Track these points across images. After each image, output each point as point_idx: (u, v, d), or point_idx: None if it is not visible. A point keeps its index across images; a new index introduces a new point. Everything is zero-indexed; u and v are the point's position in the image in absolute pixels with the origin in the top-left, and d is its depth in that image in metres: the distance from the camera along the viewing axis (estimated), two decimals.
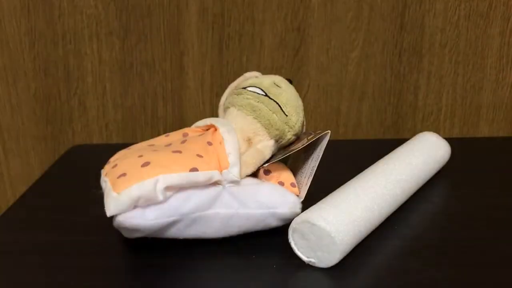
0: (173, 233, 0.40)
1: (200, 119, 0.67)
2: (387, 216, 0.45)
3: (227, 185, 0.41)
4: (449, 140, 0.60)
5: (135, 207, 0.38)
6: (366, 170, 0.48)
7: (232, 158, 0.41)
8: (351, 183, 0.45)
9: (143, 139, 0.75)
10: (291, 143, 0.47)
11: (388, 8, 0.68)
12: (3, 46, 0.70)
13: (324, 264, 0.39)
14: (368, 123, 0.74)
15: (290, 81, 0.49)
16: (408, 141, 0.55)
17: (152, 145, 0.45)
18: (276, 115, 0.44)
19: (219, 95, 0.73)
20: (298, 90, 0.72)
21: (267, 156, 0.44)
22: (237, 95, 0.46)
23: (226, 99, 0.48)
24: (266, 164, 0.44)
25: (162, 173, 0.38)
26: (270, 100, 0.45)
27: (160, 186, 0.38)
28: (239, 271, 0.39)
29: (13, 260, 0.42)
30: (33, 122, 0.74)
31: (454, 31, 0.69)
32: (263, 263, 0.40)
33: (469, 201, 0.50)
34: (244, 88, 0.46)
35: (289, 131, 0.45)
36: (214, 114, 0.74)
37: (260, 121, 0.44)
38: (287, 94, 0.46)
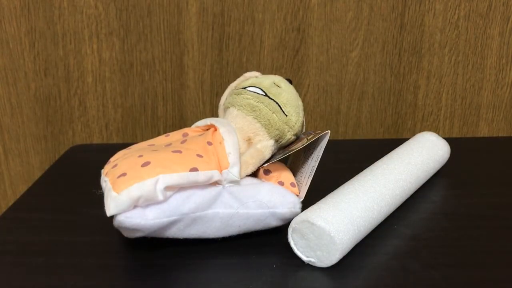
0: (173, 233, 0.40)
1: (200, 119, 0.68)
2: (386, 216, 0.45)
3: (227, 185, 0.41)
4: (449, 140, 0.60)
5: (135, 207, 0.38)
6: (365, 170, 0.48)
7: (232, 158, 0.41)
8: (350, 183, 0.45)
9: (143, 139, 0.75)
10: (291, 143, 0.47)
11: (388, 8, 0.68)
12: (3, 46, 0.70)
13: (323, 263, 0.39)
14: (368, 123, 0.74)
15: (290, 81, 0.49)
16: (408, 141, 0.55)
17: (152, 145, 0.46)
18: (276, 115, 0.44)
19: (219, 95, 0.73)
20: (298, 90, 0.72)
21: (267, 156, 0.44)
22: (237, 95, 0.46)
23: (226, 99, 0.48)
24: (266, 164, 0.44)
25: (162, 173, 0.38)
26: (270, 100, 0.45)
27: (160, 186, 0.38)
28: (239, 271, 0.39)
29: (13, 260, 0.42)
30: (33, 122, 0.74)
31: (453, 31, 0.69)
32: (263, 262, 0.40)
33: (469, 201, 0.50)
34: (244, 88, 0.46)
35: (289, 131, 0.46)
36: (214, 114, 0.74)
37: (260, 121, 0.44)
38: (287, 94, 0.46)
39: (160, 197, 0.38)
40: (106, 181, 0.40)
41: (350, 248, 0.40)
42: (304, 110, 0.68)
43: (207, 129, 0.46)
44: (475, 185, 0.54)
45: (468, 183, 0.54)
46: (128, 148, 0.46)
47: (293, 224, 0.40)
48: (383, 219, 0.44)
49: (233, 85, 0.50)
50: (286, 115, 0.45)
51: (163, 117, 0.74)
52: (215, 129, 0.44)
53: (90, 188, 0.50)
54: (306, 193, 0.44)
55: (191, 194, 0.40)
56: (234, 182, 0.42)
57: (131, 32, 0.70)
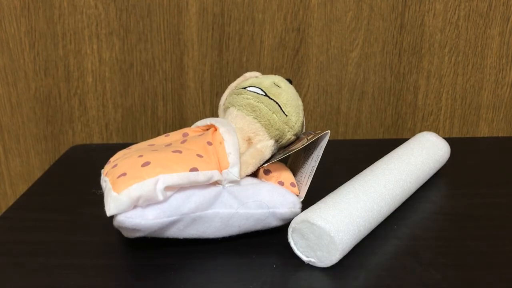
0: (173, 232, 0.40)
1: (200, 119, 0.68)
2: (386, 216, 0.45)
3: (227, 185, 0.41)
4: (449, 140, 0.60)
5: (135, 206, 0.38)
6: (365, 170, 0.48)
7: (232, 158, 0.41)
8: (350, 183, 0.45)
9: (143, 139, 0.75)
10: (291, 143, 0.47)
11: (388, 8, 0.68)
12: (3, 46, 0.70)
13: (323, 263, 0.39)
14: (368, 123, 0.74)
15: (290, 81, 0.49)
16: (408, 141, 0.55)
17: (152, 145, 0.46)
18: (276, 115, 0.44)
19: (219, 95, 0.73)
20: (298, 90, 0.72)
21: (267, 156, 0.44)
22: (237, 95, 0.46)
23: (226, 99, 0.48)
24: (266, 164, 0.44)
25: (162, 173, 0.38)
26: (270, 100, 0.45)
27: (160, 186, 0.38)
28: (239, 271, 0.39)
29: (13, 260, 0.42)
30: (33, 122, 0.74)
31: (453, 31, 0.69)
32: (263, 263, 0.40)
33: (469, 201, 0.50)
34: (244, 88, 0.46)
35: (289, 131, 0.46)
36: (214, 114, 0.74)
37: (260, 121, 0.44)
38: (287, 94, 0.46)
39: (160, 197, 0.38)
40: (106, 181, 0.40)
41: (350, 248, 0.40)
42: (304, 110, 0.68)
43: (207, 129, 0.46)
44: (475, 185, 0.54)
45: (468, 183, 0.54)
46: (128, 148, 0.46)
47: (293, 224, 0.40)
48: (383, 219, 0.44)
49: (233, 85, 0.50)
50: (286, 115, 0.45)
51: (163, 117, 0.74)
52: (215, 129, 0.44)
53: (90, 188, 0.50)
54: (306, 193, 0.44)
55: (191, 194, 0.40)
56: (234, 182, 0.42)
57: (131, 32, 0.70)
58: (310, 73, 0.72)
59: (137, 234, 0.39)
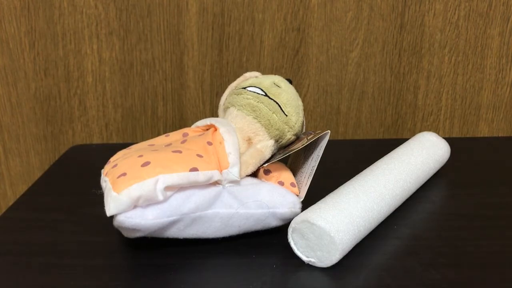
0: (173, 232, 0.40)
1: (200, 119, 0.68)
2: (386, 216, 0.45)
3: (227, 185, 0.41)
4: (449, 140, 0.60)
5: (135, 206, 0.38)
6: (365, 170, 0.48)
7: (232, 158, 0.41)
8: (350, 183, 0.45)
9: (143, 139, 0.75)
10: (291, 143, 0.47)
11: (388, 8, 0.68)
12: (3, 46, 0.70)
13: (323, 263, 0.39)
14: (368, 123, 0.74)
15: (290, 81, 0.49)
16: (408, 141, 0.55)
17: (152, 145, 0.46)
18: (276, 115, 0.44)
19: (219, 95, 0.73)
20: (298, 90, 0.72)
21: (267, 156, 0.44)
22: (237, 95, 0.46)
23: (226, 99, 0.48)
24: (266, 164, 0.44)
25: (162, 173, 0.38)
26: (270, 100, 0.45)
27: (160, 185, 0.38)
28: (239, 271, 0.39)
29: (13, 260, 0.42)
30: (33, 122, 0.74)
31: (453, 31, 0.69)
32: (263, 262, 0.40)
33: (469, 201, 0.50)
34: (244, 88, 0.46)
35: (289, 131, 0.46)
36: (214, 114, 0.74)
37: (260, 121, 0.44)
38: (287, 94, 0.46)
39: (160, 197, 0.38)
40: (106, 181, 0.40)
41: (350, 248, 0.40)
42: (304, 110, 0.68)
43: (207, 129, 0.46)
44: (475, 185, 0.54)
45: (468, 183, 0.54)
46: (128, 148, 0.46)
47: (293, 224, 0.40)
48: (383, 219, 0.44)
49: (233, 85, 0.50)
50: (286, 115, 0.45)
51: (163, 117, 0.74)
52: (215, 129, 0.44)
53: (90, 188, 0.50)
54: (306, 193, 0.44)
55: (191, 194, 0.40)
56: (234, 182, 0.42)
57: (131, 32, 0.70)
58: (310, 73, 0.72)
59: (137, 234, 0.39)
